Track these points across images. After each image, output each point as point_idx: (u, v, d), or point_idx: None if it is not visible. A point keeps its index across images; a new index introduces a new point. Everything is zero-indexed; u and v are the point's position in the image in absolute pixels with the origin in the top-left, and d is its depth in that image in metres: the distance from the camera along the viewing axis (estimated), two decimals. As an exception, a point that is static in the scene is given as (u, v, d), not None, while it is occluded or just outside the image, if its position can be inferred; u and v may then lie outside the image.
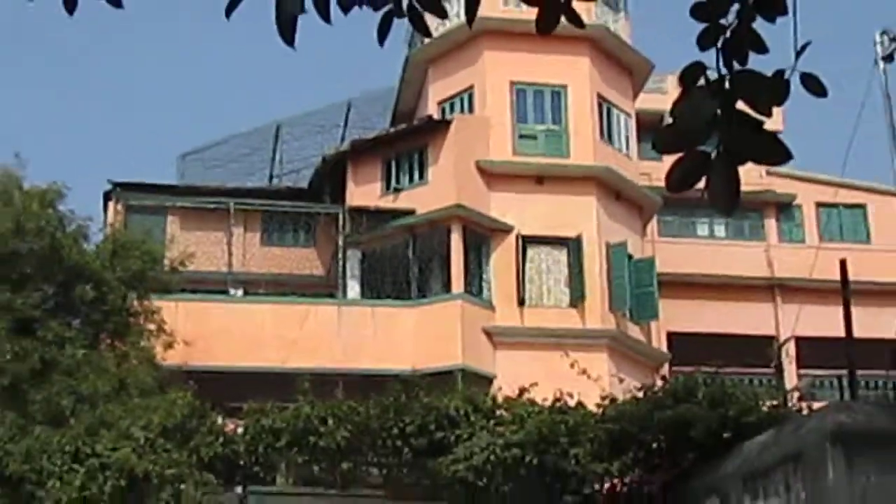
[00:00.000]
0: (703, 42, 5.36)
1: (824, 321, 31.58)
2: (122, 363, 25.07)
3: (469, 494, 19.09)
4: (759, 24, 5.45)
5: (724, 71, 5.20)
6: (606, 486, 19.84)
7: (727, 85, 5.19)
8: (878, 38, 17.06)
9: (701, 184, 5.40)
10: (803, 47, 5.35)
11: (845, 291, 19.47)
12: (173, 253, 29.76)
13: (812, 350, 35.52)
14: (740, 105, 5.18)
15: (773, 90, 5.21)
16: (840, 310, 21.31)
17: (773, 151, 5.32)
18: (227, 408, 20.98)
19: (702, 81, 5.21)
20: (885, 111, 16.96)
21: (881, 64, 17.05)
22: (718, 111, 5.22)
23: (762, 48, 5.33)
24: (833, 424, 16.00)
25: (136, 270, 26.77)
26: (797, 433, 16.77)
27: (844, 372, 26.50)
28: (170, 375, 25.21)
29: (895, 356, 33.69)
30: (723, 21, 5.34)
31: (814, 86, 5.26)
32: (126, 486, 18.25)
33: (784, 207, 42.07)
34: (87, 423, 19.91)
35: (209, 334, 30.32)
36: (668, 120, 5.41)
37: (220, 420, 20.06)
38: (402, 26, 6.49)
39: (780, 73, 5.20)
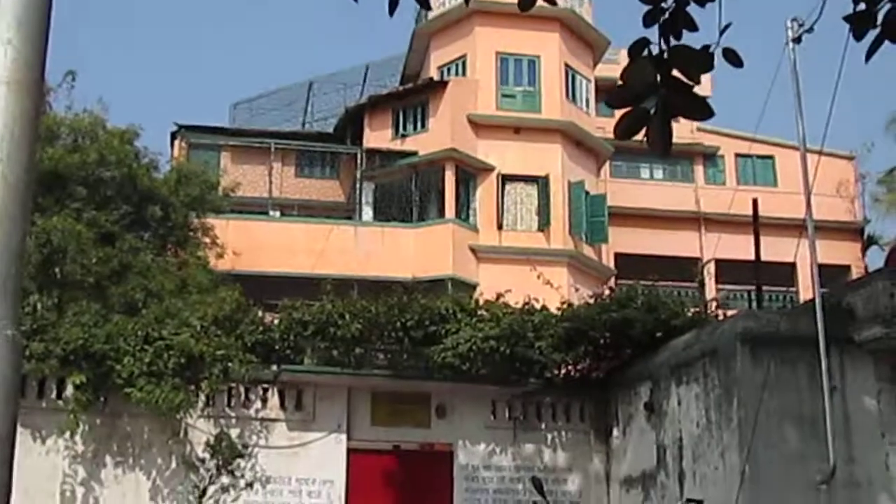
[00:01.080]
0: (647, 21, 5.38)
1: (738, 247, 31.67)
2: (182, 268, 25.09)
3: (455, 376, 19.21)
4: (692, 8, 5.44)
5: (663, 45, 5.22)
6: (563, 371, 19.98)
7: (665, 56, 5.21)
8: (788, 24, 16.91)
9: (642, 134, 5.42)
10: (726, 27, 5.38)
11: (756, 224, 19.51)
12: (225, 182, 29.73)
13: (728, 270, 35.67)
14: (676, 73, 5.20)
15: (701, 61, 5.24)
16: (749, 237, 21.44)
17: (700, 109, 5.35)
18: (265, 304, 21.01)
19: (645, 53, 5.22)
20: (793, 83, 16.86)
21: (791, 44, 16.91)
22: (658, 77, 5.23)
23: (693, 27, 5.35)
24: (742, 327, 16.13)
25: (195, 195, 26.73)
26: (714, 334, 16.90)
27: (753, 287, 26.62)
28: (220, 278, 25.24)
29: (793, 276, 33.88)
30: (663, 4, 5.34)
31: (733, 58, 5.30)
32: (185, 362, 18.31)
33: (709, 157, 42.07)
34: (155, 314, 19.91)
35: (252, 246, 30.37)
36: (619, 83, 5.41)
37: (260, 313, 20.08)
38: (411, 6, 6.48)
39: (706, 48, 5.23)
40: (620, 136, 5.50)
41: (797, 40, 16.93)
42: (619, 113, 5.41)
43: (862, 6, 5.54)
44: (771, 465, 15.24)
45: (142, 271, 23.26)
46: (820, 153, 17.15)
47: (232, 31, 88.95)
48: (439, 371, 19.14)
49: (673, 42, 5.39)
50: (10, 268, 4.15)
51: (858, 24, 5.54)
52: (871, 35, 5.59)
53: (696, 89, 5.31)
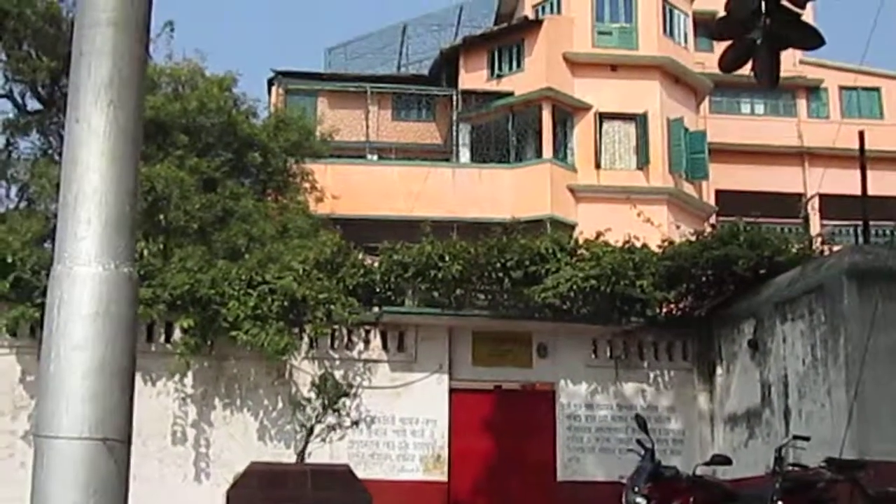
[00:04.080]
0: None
1: (843, 182, 31.03)
2: (283, 212, 25.41)
3: (556, 315, 19.19)
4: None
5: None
6: (665, 310, 19.83)
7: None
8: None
9: (747, 68, 5.29)
10: None
11: (862, 157, 19.07)
12: (323, 127, 29.93)
13: (833, 205, 34.98)
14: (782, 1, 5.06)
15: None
16: (852, 172, 20.92)
17: (810, 38, 5.22)
18: (365, 247, 21.13)
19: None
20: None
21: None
22: (763, 5, 5.10)
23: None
24: (849, 262, 15.85)
25: (294, 141, 27.00)
26: (819, 269, 16.63)
27: (859, 222, 26.07)
28: (320, 222, 25.52)
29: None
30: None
31: None
32: (288, 306, 18.56)
33: (812, 90, 41.11)
34: (258, 258, 20.22)
35: (351, 190, 30.57)
36: (722, 14, 5.29)
37: (360, 256, 20.22)
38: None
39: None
40: (725, 69, 5.40)
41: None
42: (719, 47, 5.31)
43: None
44: (879, 403, 14.99)
45: (243, 217, 23.62)
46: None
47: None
48: (540, 311, 19.13)
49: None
50: (124, 206, 4.31)
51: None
52: None
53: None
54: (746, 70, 5.34)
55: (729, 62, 5.38)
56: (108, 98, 4.35)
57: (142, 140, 4.55)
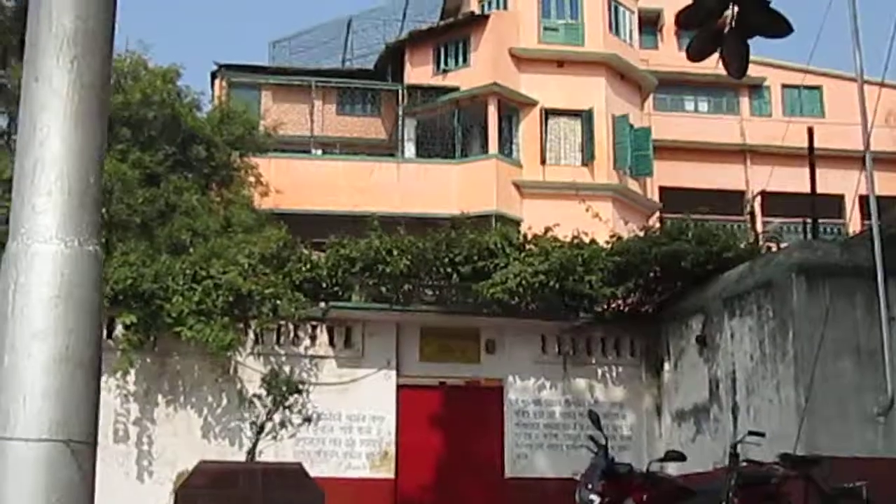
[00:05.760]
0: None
1: (785, 180, 31.32)
2: (227, 207, 25.12)
3: (504, 311, 19.11)
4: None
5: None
6: (613, 306, 19.82)
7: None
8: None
9: (688, 65, 5.18)
10: None
11: (811, 155, 19.16)
12: (267, 121, 29.67)
13: (775, 203, 35.23)
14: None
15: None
16: (796, 170, 21.09)
17: (778, 25, 5.11)
18: (311, 242, 20.93)
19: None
20: (850, 6, 16.40)
21: (846, -33, 16.46)
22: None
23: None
24: (798, 258, 15.91)
25: (238, 134, 26.72)
26: (768, 265, 16.68)
27: (801, 220, 26.24)
28: (265, 217, 25.26)
29: (840, 208, 33.50)
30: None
31: None
32: (234, 301, 18.32)
33: (755, 88, 41.40)
34: (202, 253, 19.95)
35: (295, 185, 30.30)
36: (666, 16, 5.18)
37: (306, 251, 20.01)
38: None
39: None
40: (694, 58, 5.30)
41: (853, -37, 16.48)
42: (664, 45, 5.21)
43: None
44: (828, 398, 15.07)
45: (187, 211, 23.33)
46: (881, 85, 16.77)
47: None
48: (488, 306, 19.05)
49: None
50: (88, 176, 3.88)
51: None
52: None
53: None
54: (691, 67, 5.26)
55: (696, 51, 5.29)
56: (72, 53, 3.91)
57: (109, 102, 4.17)
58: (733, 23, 5.16)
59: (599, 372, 19.88)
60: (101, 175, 3.97)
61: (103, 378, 15.38)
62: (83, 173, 3.85)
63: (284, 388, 15.95)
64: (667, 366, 19.49)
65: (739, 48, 5.20)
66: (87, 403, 3.76)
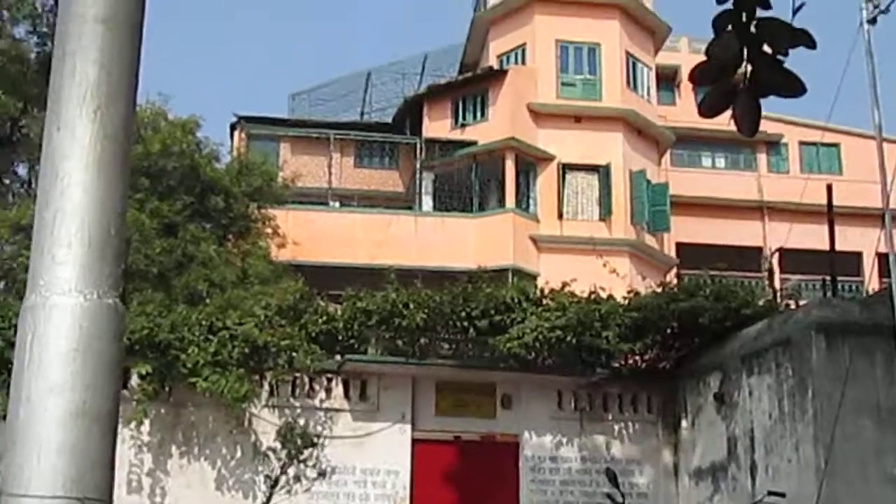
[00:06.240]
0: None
1: (802, 236, 31.32)
2: (244, 258, 25.11)
3: (520, 366, 19.00)
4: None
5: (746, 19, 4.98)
6: (630, 362, 19.69)
7: (753, 29, 4.96)
8: (863, 4, 16.50)
9: (706, 122, 5.17)
10: (799, 6, 5.11)
11: (830, 212, 19.10)
12: (285, 173, 29.74)
13: (791, 260, 35.12)
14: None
15: (789, 35, 4.98)
16: (814, 227, 21.04)
17: (791, 85, 5.09)
18: (327, 294, 20.90)
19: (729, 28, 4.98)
20: (867, 66, 16.42)
21: (865, 26, 16.50)
22: (745, 51, 4.99)
23: (767, 5, 5.08)
24: (817, 316, 15.77)
25: (256, 186, 26.77)
26: (787, 323, 16.54)
27: (819, 277, 26.13)
28: (282, 269, 25.25)
29: (858, 265, 33.35)
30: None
31: (805, 39, 5.01)
32: (249, 352, 18.26)
33: (772, 144, 41.53)
34: (218, 304, 19.91)
35: (313, 237, 30.37)
36: (683, 73, 5.18)
37: (322, 303, 19.97)
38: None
39: (789, 24, 4.97)
40: (705, 114, 5.28)
41: (872, 21, 16.55)
42: (681, 101, 5.21)
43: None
44: (848, 458, 14.87)
45: (204, 262, 23.31)
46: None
47: (290, 22, 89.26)
48: (504, 361, 18.92)
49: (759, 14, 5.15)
50: (109, 227, 3.83)
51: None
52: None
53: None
54: (708, 124, 5.26)
55: (709, 107, 5.26)
56: (96, 103, 3.89)
57: (130, 152, 4.15)
58: (746, 81, 5.13)
59: (616, 428, 19.70)
60: (123, 226, 3.91)
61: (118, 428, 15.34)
62: (104, 224, 3.81)
63: (299, 442, 15.84)
64: (684, 423, 19.31)
65: (751, 106, 5.18)
66: (102, 460, 3.67)
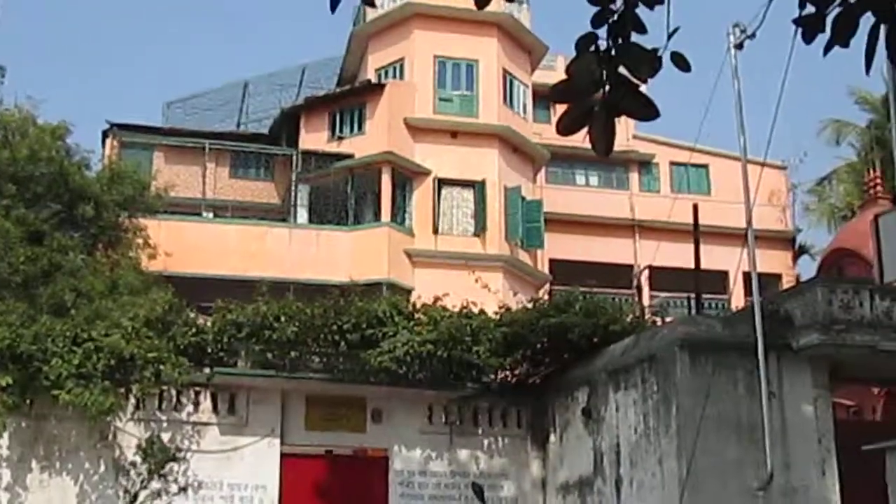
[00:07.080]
0: (596, 22, 5.20)
1: (671, 255, 31.95)
2: (114, 268, 24.57)
3: (391, 380, 18.96)
4: (640, 10, 5.28)
5: (610, 43, 5.08)
6: (500, 376, 19.82)
7: (613, 53, 5.06)
8: (730, 30, 16.92)
9: (583, 140, 5.26)
10: (674, 31, 5.23)
11: (696, 231, 19.51)
12: (158, 182, 29.20)
13: (660, 277, 35.79)
14: (622, 71, 5.06)
15: (648, 61, 5.09)
16: (682, 245, 21.45)
17: (645, 109, 5.20)
18: (198, 306, 20.60)
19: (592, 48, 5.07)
20: (734, 90, 16.86)
21: (733, 51, 16.92)
22: (604, 74, 5.08)
23: (642, 29, 5.19)
24: (681, 333, 16.11)
25: (127, 195, 26.25)
26: (653, 339, 16.85)
27: (686, 295, 26.66)
28: (152, 279, 24.77)
29: (723, 283, 34.13)
30: (612, 6, 5.18)
31: (680, 62, 5.14)
32: (115, 364, 17.89)
33: (644, 164, 42.24)
34: (85, 315, 19.44)
35: (185, 248, 29.84)
36: (563, 78, 5.24)
37: (192, 315, 19.67)
38: (350, 6, 6.22)
39: (654, 50, 5.08)
40: (562, 132, 5.35)
41: (739, 46, 16.96)
42: (557, 119, 5.30)
43: (810, 9, 5.38)
44: (709, 472, 15.20)
45: (71, 271, 22.76)
46: (763, 165, 17.18)
47: (166, 30, 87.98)
48: (375, 375, 18.88)
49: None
50: None
51: (808, 27, 5.38)
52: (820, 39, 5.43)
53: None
54: (582, 142, 5.34)
55: (566, 125, 5.34)
56: None
57: None
58: (602, 102, 5.23)
59: (486, 443, 19.80)
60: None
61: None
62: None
63: (160, 456, 15.56)
64: (552, 437, 19.50)
65: (606, 127, 5.27)
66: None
